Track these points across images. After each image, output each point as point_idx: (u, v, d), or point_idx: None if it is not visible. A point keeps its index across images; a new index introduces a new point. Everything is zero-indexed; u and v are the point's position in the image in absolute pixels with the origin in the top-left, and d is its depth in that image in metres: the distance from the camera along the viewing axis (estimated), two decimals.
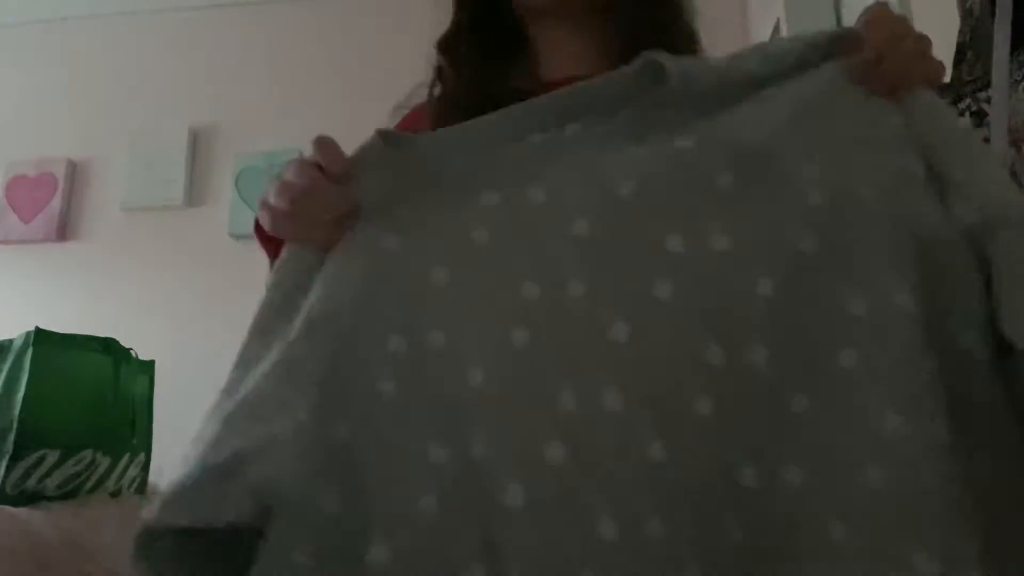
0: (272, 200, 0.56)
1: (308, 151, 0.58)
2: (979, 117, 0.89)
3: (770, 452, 0.49)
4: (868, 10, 0.58)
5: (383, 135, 0.57)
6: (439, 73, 0.81)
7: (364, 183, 0.56)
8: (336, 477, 0.48)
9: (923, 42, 0.57)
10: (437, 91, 0.81)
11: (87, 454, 1.28)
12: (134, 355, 1.46)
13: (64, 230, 2.67)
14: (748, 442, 0.49)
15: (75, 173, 2.72)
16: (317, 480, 0.48)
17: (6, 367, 1.26)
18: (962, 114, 0.92)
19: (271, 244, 0.62)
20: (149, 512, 0.45)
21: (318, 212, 0.55)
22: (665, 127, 0.55)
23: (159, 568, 0.47)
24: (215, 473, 0.46)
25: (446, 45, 0.82)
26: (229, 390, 0.51)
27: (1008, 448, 0.48)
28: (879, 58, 0.55)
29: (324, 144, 0.56)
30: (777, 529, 0.48)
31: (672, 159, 0.54)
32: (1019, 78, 0.83)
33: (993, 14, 0.87)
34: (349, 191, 0.55)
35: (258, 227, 0.61)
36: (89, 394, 1.33)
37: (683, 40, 0.82)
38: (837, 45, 0.56)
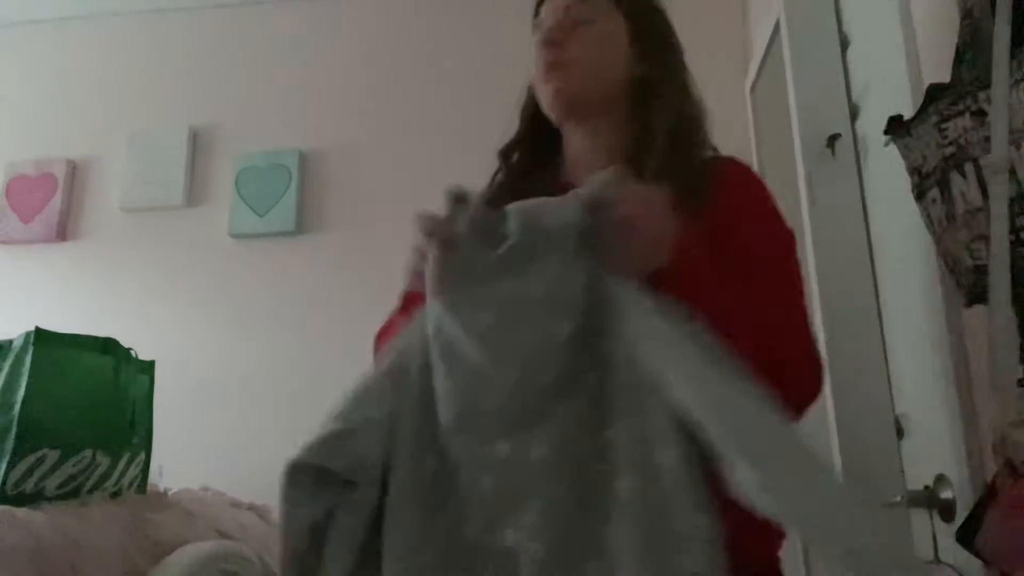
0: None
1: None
2: (979, 117, 0.89)
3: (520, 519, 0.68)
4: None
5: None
6: (498, 170, 1.06)
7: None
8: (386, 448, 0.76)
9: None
10: (498, 179, 1.05)
11: (87, 454, 1.28)
12: (134, 355, 1.46)
13: (64, 230, 2.67)
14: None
15: (75, 173, 2.72)
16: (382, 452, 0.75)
17: (6, 367, 1.26)
18: (962, 114, 0.92)
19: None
20: (296, 453, 0.72)
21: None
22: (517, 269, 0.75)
23: (303, 500, 0.71)
24: (333, 437, 0.74)
25: (506, 152, 1.05)
26: (373, 372, 0.79)
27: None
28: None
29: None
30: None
31: (510, 303, 0.75)
32: (1019, 78, 0.83)
33: (993, 14, 0.87)
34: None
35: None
36: (89, 394, 1.33)
37: (685, 139, 0.95)
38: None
